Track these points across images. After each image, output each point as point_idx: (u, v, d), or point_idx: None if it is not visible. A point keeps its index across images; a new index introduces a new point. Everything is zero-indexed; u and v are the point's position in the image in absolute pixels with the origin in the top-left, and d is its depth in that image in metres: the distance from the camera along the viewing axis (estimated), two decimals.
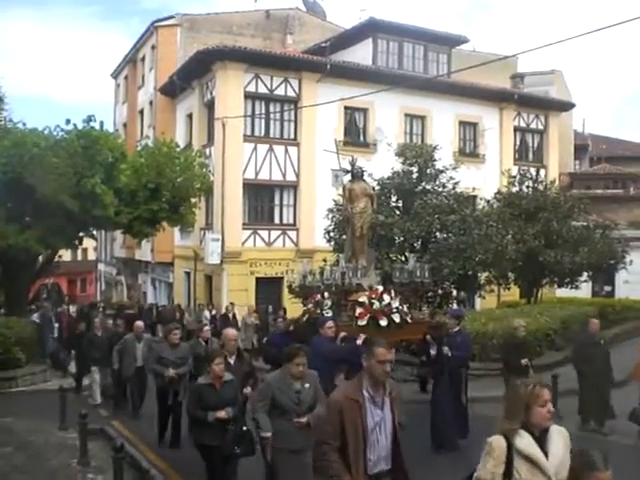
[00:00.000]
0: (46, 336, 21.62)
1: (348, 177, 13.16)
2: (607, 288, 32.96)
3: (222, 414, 7.81)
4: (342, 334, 10.52)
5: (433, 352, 11.51)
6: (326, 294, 12.06)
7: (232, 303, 25.49)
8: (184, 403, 10.64)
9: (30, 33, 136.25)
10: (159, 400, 11.81)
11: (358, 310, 11.15)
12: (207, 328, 12.47)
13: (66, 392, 13.69)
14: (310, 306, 12.38)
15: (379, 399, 5.46)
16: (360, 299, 11.36)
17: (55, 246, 23.65)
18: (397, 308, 11.29)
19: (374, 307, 11.18)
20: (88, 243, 40.60)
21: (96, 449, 11.20)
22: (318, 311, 11.80)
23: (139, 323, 14.99)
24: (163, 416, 11.82)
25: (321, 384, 9.77)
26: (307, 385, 7.16)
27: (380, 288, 11.65)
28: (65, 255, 39.49)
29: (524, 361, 12.39)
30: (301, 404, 7.10)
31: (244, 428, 8.00)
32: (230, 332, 9.62)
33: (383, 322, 11.10)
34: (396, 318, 11.23)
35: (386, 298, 11.31)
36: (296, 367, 7.04)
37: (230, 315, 24.54)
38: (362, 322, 11.04)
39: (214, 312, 25.99)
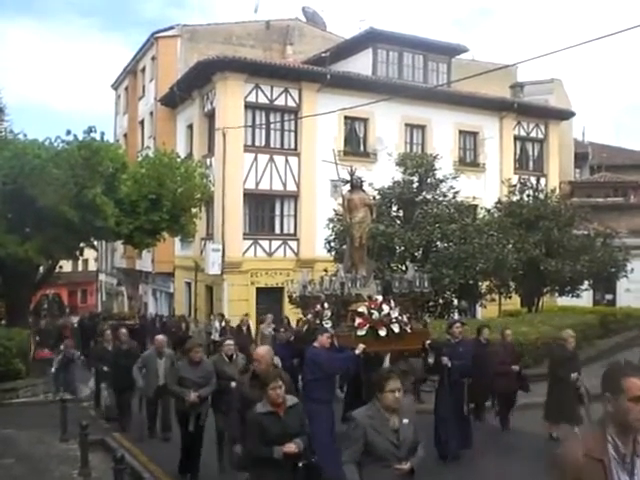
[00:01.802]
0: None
1: (347, 187, 13.17)
2: (608, 296, 32.93)
3: (291, 448, 6.41)
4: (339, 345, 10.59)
5: (431, 361, 11.51)
6: (326, 304, 12.05)
7: (247, 314, 25.01)
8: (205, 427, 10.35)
9: (30, 43, 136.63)
10: (181, 426, 10.41)
11: (357, 320, 11.14)
12: (230, 342, 10.84)
13: (66, 403, 13.73)
14: (310, 316, 12.37)
15: (629, 459, 3.66)
16: (359, 309, 11.34)
17: (55, 256, 23.69)
18: (396, 318, 11.27)
19: (373, 317, 11.16)
20: (89, 253, 40.66)
21: (97, 460, 11.24)
22: (318, 321, 11.79)
23: (160, 337, 13.55)
24: (187, 443, 10.27)
25: (319, 394, 9.84)
26: (406, 421, 5.80)
27: (379, 298, 11.63)
28: (66, 266, 39.45)
29: (574, 375, 11.88)
30: (401, 446, 5.71)
31: (313, 460, 6.78)
32: (262, 350, 8.27)
33: (382, 332, 11.08)
34: (395, 328, 11.20)
35: (385, 308, 11.29)
36: (391, 395, 5.68)
37: (244, 327, 23.45)
38: (361, 332, 11.02)
39: (224, 323, 24.90)
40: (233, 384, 9.49)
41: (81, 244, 24.94)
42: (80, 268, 59.31)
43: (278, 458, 6.36)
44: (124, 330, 15.09)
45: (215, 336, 24.45)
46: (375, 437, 5.62)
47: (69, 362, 17.64)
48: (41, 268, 24.83)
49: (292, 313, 17.68)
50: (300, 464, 6.49)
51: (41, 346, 23.09)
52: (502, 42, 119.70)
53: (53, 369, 17.95)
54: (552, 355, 12.98)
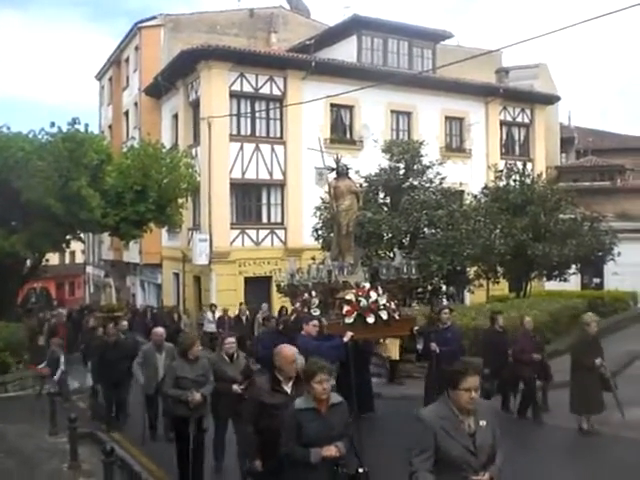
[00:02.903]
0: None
1: (333, 175, 13.12)
2: (596, 280, 33.06)
3: (331, 451, 5.68)
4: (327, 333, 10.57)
5: (420, 347, 11.53)
6: (313, 293, 12.04)
7: (242, 303, 24.92)
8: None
9: (14, 35, 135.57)
10: (178, 435, 9.22)
11: (345, 308, 11.13)
12: (232, 340, 9.73)
13: (55, 397, 13.67)
14: (298, 305, 12.36)
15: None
16: (347, 297, 11.34)
17: (42, 250, 23.61)
18: (384, 305, 11.27)
19: (361, 305, 11.16)
20: (76, 246, 40.51)
21: (87, 453, 11.18)
22: (306, 310, 11.77)
23: (159, 330, 12.50)
24: (184, 455, 9.05)
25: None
26: (483, 423, 4.97)
27: (367, 285, 11.63)
28: (53, 258, 39.33)
29: (598, 361, 11.42)
30: (478, 453, 4.88)
31: (360, 470, 6.05)
32: (288, 351, 6.95)
33: (370, 319, 11.09)
34: (383, 315, 11.22)
35: (373, 295, 11.30)
36: (466, 395, 4.84)
37: (243, 317, 23.32)
38: (349, 320, 11.02)
39: (222, 313, 24.48)
40: (235, 387, 9.18)
41: (67, 236, 24.86)
42: (67, 261, 59.15)
43: (316, 462, 5.63)
44: (124, 322, 14.66)
45: (209, 327, 24.41)
46: (447, 442, 4.81)
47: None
48: (28, 261, 24.73)
49: (280, 302, 17.65)
50: (340, 469, 5.79)
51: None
52: (487, 27, 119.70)
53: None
54: (573, 341, 12.48)
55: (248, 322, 23.19)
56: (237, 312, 23.89)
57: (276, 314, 21.35)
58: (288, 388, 6.66)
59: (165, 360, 11.61)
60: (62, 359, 15.67)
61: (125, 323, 14.64)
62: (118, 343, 13.39)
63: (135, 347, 13.39)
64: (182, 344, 9.47)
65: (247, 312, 23.51)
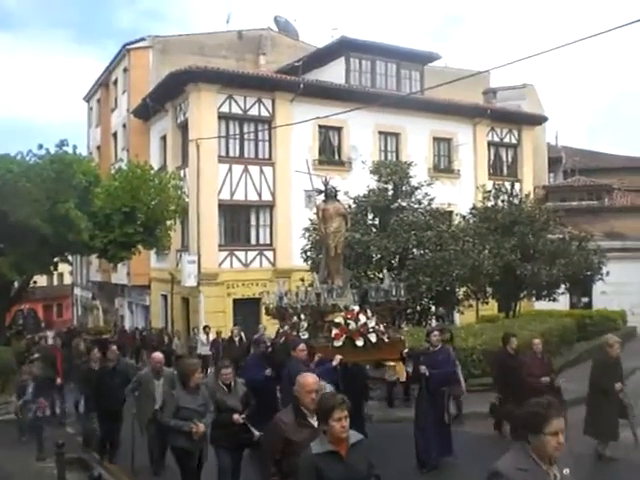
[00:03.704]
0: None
1: (322, 197, 13.11)
2: (584, 299, 33.08)
3: None
4: (318, 356, 10.46)
5: (409, 369, 11.46)
6: (302, 316, 11.98)
7: (236, 325, 24.30)
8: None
9: (2, 56, 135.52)
10: (184, 468, 8.84)
11: (334, 331, 11.07)
12: (228, 371, 9.15)
13: (42, 421, 13.52)
14: (286, 328, 12.29)
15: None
16: (336, 320, 11.29)
17: (30, 272, 23.46)
18: (373, 328, 11.22)
19: (350, 327, 11.11)
20: (64, 267, 40.29)
21: (74, 479, 11.03)
22: (295, 333, 11.71)
23: (158, 355, 11.71)
24: None
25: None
26: (567, 471, 4.33)
27: (356, 308, 11.58)
28: (40, 280, 39.03)
29: (618, 385, 11.00)
30: None
31: None
32: (306, 379, 6.24)
33: (359, 342, 11.04)
34: (372, 338, 11.16)
35: (362, 318, 11.25)
36: (553, 439, 4.17)
37: (237, 339, 22.48)
38: (338, 343, 10.96)
39: (215, 335, 24.08)
40: (235, 416, 8.82)
41: (55, 259, 24.72)
42: (55, 282, 58.82)
43: None
44: (114, 347, 13.42)
45: (202, 350, 24.21)
46: None
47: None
48: (15, 283, 24.57)
49: (269, 324, 17.54)
50: None
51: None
52: (474, 49, 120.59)
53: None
54: (594, 363, 11.75)
55: (242, 344, 22.33)
56: (230, 334, 23.33)
57: (271, 336, 21.06)
58: (314, 421, 5.80)
59: (163, 387, 10.86)
60: (30, 389, 15.09)
61: (115, 348, 13.35)
62: (116, 370, 12.45)
63: (130, 373, 12.70)
64: (183, 372, 9.02)
65: (241, 334, 22.94)
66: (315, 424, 5.73)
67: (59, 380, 16.78)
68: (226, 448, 8.99)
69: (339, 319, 11.28)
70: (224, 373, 9.14)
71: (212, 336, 24.19)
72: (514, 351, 12.77)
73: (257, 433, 8.80)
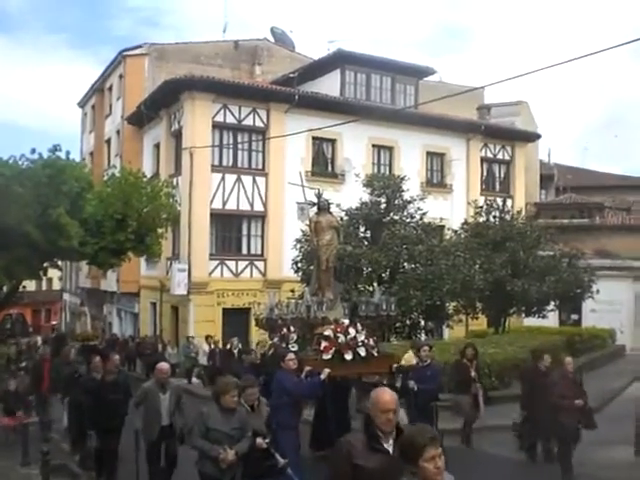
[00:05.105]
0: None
1: (314, 209, 13.11)
2: (574, 317, 33.12)
3: None
4: (307, 368, 10.43)
5: (398, 385, 11.44)
6: (292, 328, 11.94)
7: (235, 337, 23.15)
8: None
9: None
10: None
11: (323, 344, 11.03)
12: (254, 391, 8.53)
13: (27, 427, 13.40)
14: (276, 339, 12.25)
15: None
16: (325, 333, 11.25)
17: (19, 277, 23.28)
18: (362, 342, 11.19)
19: (339, 341, 11.07)
20: (53, 273, 40.05)
21: None
22: (284, 345, 11.67)
23: (164, 366, 10.64)
24: None
25: (286, 419, 9.72)
26: None
27: (346, 322, 11.55)
28: (29, 285, 38.98)
29: None
30: None
31: None
32: (383, 396, 5.22)
33: (348, 356, 11.00)
34: (362, 352, 11.13)
35: (352, 331, 11.22)
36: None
37: (235, 351, 21.67)
38: (327, 356, 10.92)
39: (212, 346, 23.68)
40: (259, 440, 8.12)
41: (45, 264, 24.58)
42: (44, 287, 58.52)
43: None
44: (116, 356, 12.53)
45: (203, 360, 24.11)
46: None
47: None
48: (4, 288, 24.42)
49: (258, 335, 17.50)
50: None
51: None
52: (470, 65, 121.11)
53: None
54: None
55: (240, 356, 21.16)
56: (229, 345, 22.60)
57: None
58: (389, 446, 5.02)
59: (170, 400, 10.14)
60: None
61: (116, 357, 12.51)
62: (117, 383, 11.40)
63: (130, 385, 11.69)
64: (215, 390, 8.18)
65: (239, 346, 22.17)
66: (390, 449, 4.97)
67: (43, 390, 15.52)
68: (246, 477, 8.21)
69: (328, 332, 11.25)
70: (249, 393, 8.42)
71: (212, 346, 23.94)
72: (546, 368, 12.30)
73: (282, 460, 8.30)
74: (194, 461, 7.99)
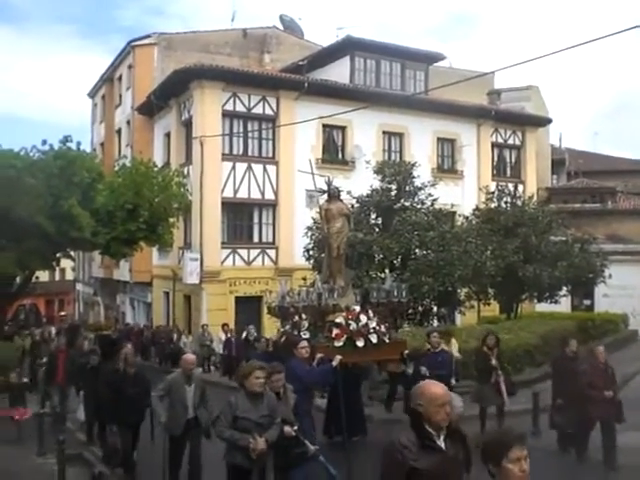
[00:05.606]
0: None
1: (325, 197, 13.12)
2: (586, 302, 33.08)
3: None
4: (319, 355, 10.48)
5: (410, 371, 11.47)
6: (304, 315, 11.98)
7: (249, 325, 22.64)
8: None
9: (7, 50, 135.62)
10: None
11: (335, 331, 11.08)
12: (281, 376, 8.27)
13: (44, 417, 13.49)
14: (288, 327, 12.30)
15: None
16: (337, 320, 11.29)
17: (32, 268, 23.48)
18: (374, 328, 11.22)
19: (351, 328, 11.11)
20: (66, 263, 40.32)
21: (74, 475, 11.05)
22: (296, 332, 11.72)
23: (190, 357, 10.29)
24: None
25: (300, 406, 9.76)
26: None
27: (357, 309, 11.59)
28: (43, 275, 39.14)
29: None
30: None
31: None
32: (434, 389, 4.87)
33: (360, 343, 11.05)
34: (373, 338, 11.17)
35: (363, 318, 11.25)
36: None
37: (252, 338, 20.88)
38: (339, 343, 10.97)
39: (229, 334, 23.41)
40: (287, 428, 7.86)
41: (57, 254, 24.73)
42: (57, 277, 58.80)
43: None
44: (128, 346, 11.76)
45: (218, 348, 24.17)
46: None
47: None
48: (17, 279, 24.60)
49: (271, 323, 17.54)
50: None
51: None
52: (480, 49, 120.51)
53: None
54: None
55: (254, 345, 19.98)
56: (245, 334, 22.06)
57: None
58: (441, 442, 4.70)
59: (195, 392, 9.77)
60: None
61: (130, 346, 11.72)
62: (138, 376, 11.02)
63: (148, 378, 11.28)
64: (239, 374, 7.93)
65: (255, 334, 21.56)
66: (443, 446, 4.66)
67: (59, 381, 15.64)
68: (277, 467, 8.11)
69: (340, 319, 11.29)
70: (275, 379, 8.12)
71: (229, 334, 23.64)
72: (573, 354, 11.99)
73: (312, 447, 8.10)
74: (220, 457, 7.73)
